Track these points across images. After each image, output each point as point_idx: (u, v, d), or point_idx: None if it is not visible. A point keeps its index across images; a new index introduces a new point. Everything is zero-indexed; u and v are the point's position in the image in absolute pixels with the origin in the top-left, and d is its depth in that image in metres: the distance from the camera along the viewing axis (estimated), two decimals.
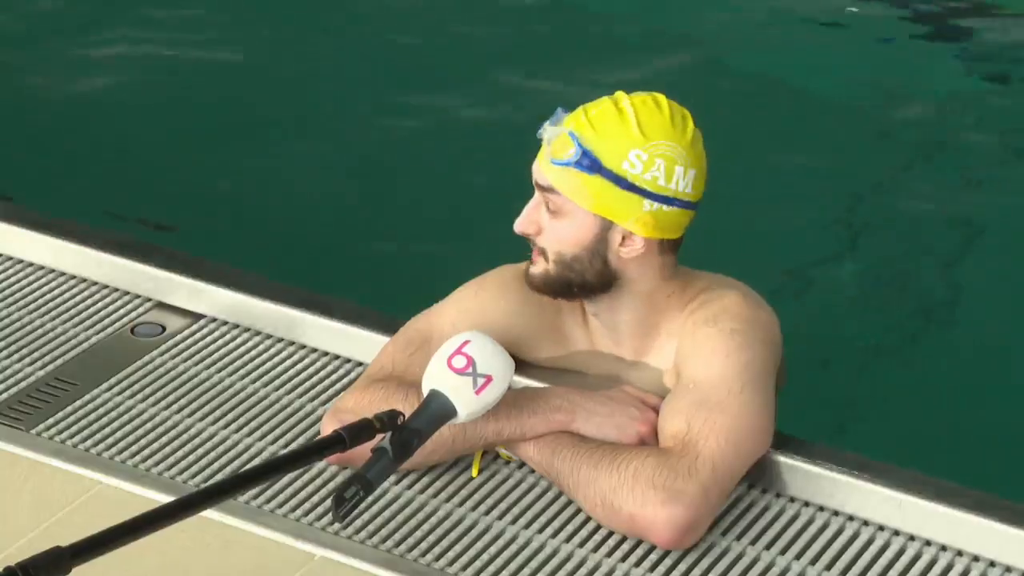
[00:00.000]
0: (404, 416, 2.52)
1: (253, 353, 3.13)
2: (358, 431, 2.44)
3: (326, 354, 3.11)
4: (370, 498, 2.71)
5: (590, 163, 2.67)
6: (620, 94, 2.73)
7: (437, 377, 2.60)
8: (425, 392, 2.60)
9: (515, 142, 5.03)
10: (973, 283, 4.42)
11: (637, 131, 2.67)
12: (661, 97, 2.73)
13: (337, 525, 2.68)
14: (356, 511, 2.49)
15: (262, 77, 5.53)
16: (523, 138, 5.02)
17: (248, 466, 2.82)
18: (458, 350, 2.62)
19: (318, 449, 2.45)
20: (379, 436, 2.48)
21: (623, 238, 2.71)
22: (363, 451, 2.50)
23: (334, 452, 2.44)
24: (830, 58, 5.63)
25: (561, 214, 2.71)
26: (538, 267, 2.77)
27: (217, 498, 2.30)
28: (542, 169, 2.71)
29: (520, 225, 2.75)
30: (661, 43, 5.61)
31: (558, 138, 2.69)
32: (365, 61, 5.62)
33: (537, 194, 2.74)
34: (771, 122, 5.05)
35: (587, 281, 2.75)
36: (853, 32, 5.85)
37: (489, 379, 2.61)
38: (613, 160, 2.67)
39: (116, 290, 3.31)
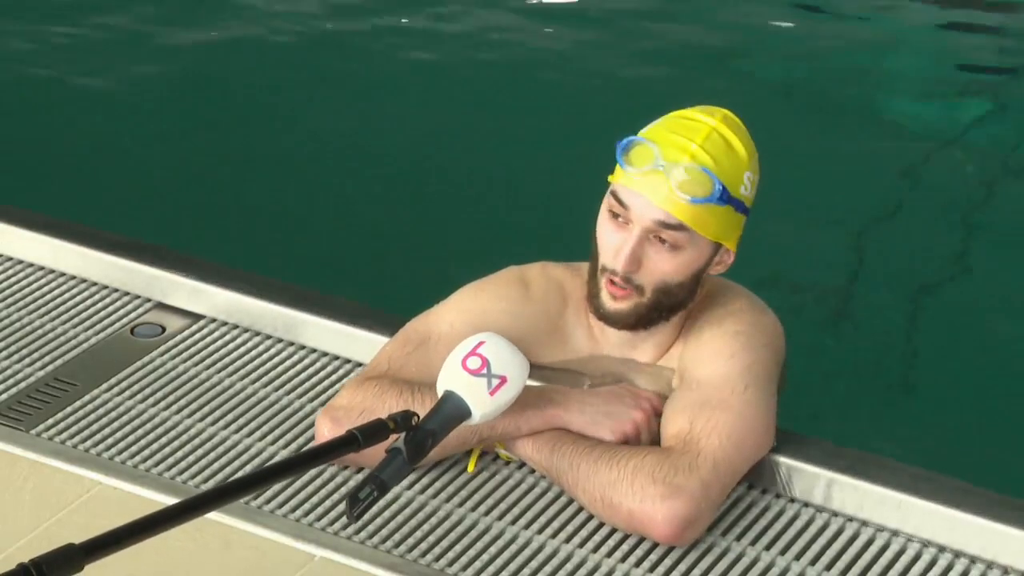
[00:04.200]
0: (418, 417, 2.51)
1: (253, 353, 3.13)
2: (372, 431, 2.43)
3: (326, 354, 3.12)
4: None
5: (727, 196, 2.67)
6: (695, 116, 2.72)
7: (452, 378, 2.60)
8: (439, 393, 2.60)
9: (516, 142, 5.04)
10: (974, 284, 4.42)
11: (744, 153, 2.70)
12: (728, 112, 2.74)
13: (337, 525, 2.68)
14: (370, 512, 2.48)
15: (261, 74, 5.53)
16: (524, 139, 5.02)
17: (248, 467, 2.82)
18: (473, 351, 2.62)
19: (331, 448, 2.44)
20: (393, 437, 2.48)
21: (720, 256, 2.74)
22: (366, 451, 2.50)
23: (347, 452, 2.42)
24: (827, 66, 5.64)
25: (681, 247, 2.68)
26: (627, 303, 2.72)
27: (230, 496, 2.28)
28: (670, 208, 2.64)
29: (628, 264, 2.68)
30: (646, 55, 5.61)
31: (690, 175, 2.63)
32: (367, 55, 5.62)
33: (640, 231, 2.67)
34: (777, 134, 5.05)
35: (678, 303, 2.75)
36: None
37: (504, 380, 2.60)
38: (736, 187, 2.69)
39: (116, 290, 3.32)
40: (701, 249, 2.70)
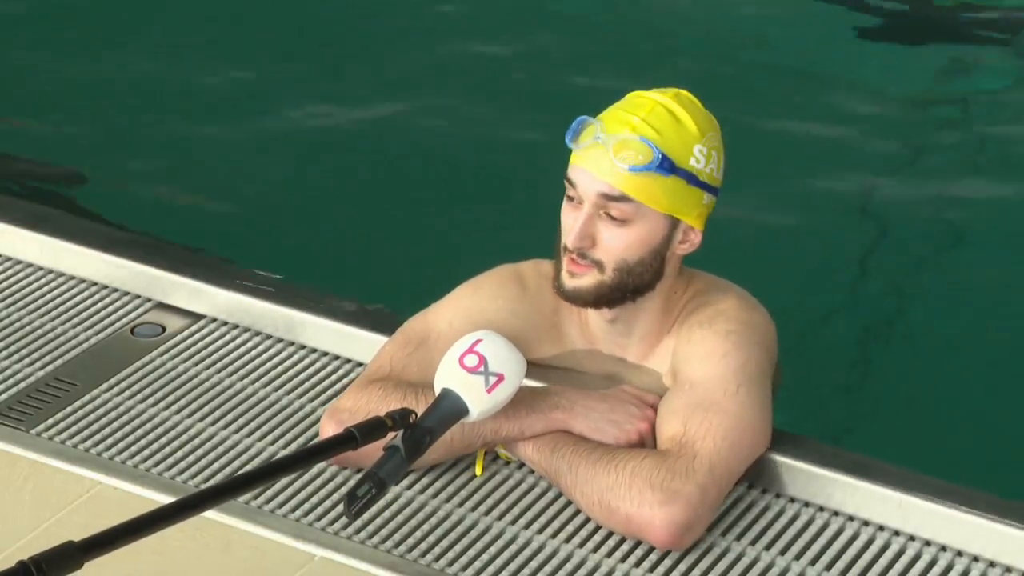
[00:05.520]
0: (416, 415, 2.51)
1: (253, 353, 3.13)
2: (370, 429, 2.43)
3: (326, 354, 3.11)
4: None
5: (669, 165, 2.67)
6: (644, 94, 2.73)
7: (449, 376, 2.60)
8: (437, 391, 2.59)
9: (514, 143, 5.04)
10: (975, 284, 4.42)
11: (694, 127, 2.69)
12: (683, 91, 2.75)
13: (337, 525, 2.68)
14: (368, 509, 2.48)
15: (256, 70, 5.53)
16: (522, 139, 5.02)
17: (248, 467, 2.82)
18: (470, 349, 2.62)
19: (330, 446, 2.43)
20: (391, 434, 2.48)
21: (683, 234, 2.73)
22: (364, 451, 2.50)
23: (346, 450, 2.42)
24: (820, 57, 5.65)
25: (630, 221, 2.68)
26: (587, 279, 2.73)
27: (228, 495, 2.28)
28: (610, 179, 2.66)
29: (578, 240, 2.69)
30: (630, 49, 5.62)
31: (628, 145, 2.65)
32: (363, 51, 5.62)
33: (589, 206, 2.68)
34: (768, 131, 5.06)
35: (643, 283, 2.74)
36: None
37: (501, 378, 2.60)
38: (684, 158, 2.68)
39: (116, 290, 3.32)
40: (654, 223, 2.70)
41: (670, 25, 5.80)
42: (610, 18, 5.86)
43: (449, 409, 2.57)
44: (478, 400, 2.58)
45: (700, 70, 5.34)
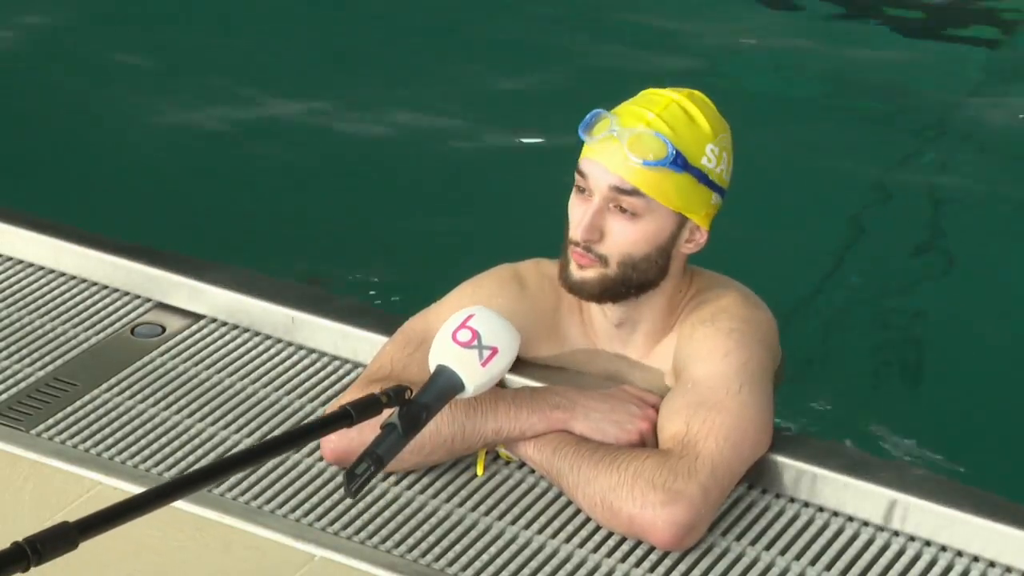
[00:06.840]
0: (411, 391, 2.51)
1: (253, 354, 3.13)
2: (365, 407, 2.42)
3: (326, 355, 3.12)
4: (369, 498, 2.72)
5: (683, 162, 2.67)
6: (659, 91, 2.75)
7: (443, 352, 2.59)
8: (431, 368, 2.59)
9: (515, 143, 5.04)
10: (974, 283, 4.42)
11: (707, 126, 2.70)
12: (696, 92, 2.76)
13: (337, 526, 2.68)
14: (367, 487, 2.47)
15: (255, 75, 5.53)
16: (523, 139, 5.02)
17: None
18: (463, 324, 2.61)
19: (325, 424, 2.42)
20: (387, 412, 2.47)
21: (690, 233, 2.73)
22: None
23: (341, 427, 2.40)
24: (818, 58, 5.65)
25: (639, 215, 2.69)
26: (591, 272, 2.73)
27: (228, 471, 2.28)
28: (623, 173, 2.67)
29: (587, 233, 2.70)
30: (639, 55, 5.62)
31: (642, 139, 2.66)
32: (363, 48, 5.62)
33: (600, 198, 2.69)
34: (773, 129, 5.05)
35: (647, 280, 2.75)
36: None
37: (495, 351, 2.59)
38: (696, 156, 2.69)
39: (116, 290, 3.32)
40: (663, 219, 2.71)
41: (670, 27, 5.80)
42: (612, 21, 5.87)
43: (445, 384, 2.56)
44: (473, 374, 2.57)
45: (700, 71, 5.35)
